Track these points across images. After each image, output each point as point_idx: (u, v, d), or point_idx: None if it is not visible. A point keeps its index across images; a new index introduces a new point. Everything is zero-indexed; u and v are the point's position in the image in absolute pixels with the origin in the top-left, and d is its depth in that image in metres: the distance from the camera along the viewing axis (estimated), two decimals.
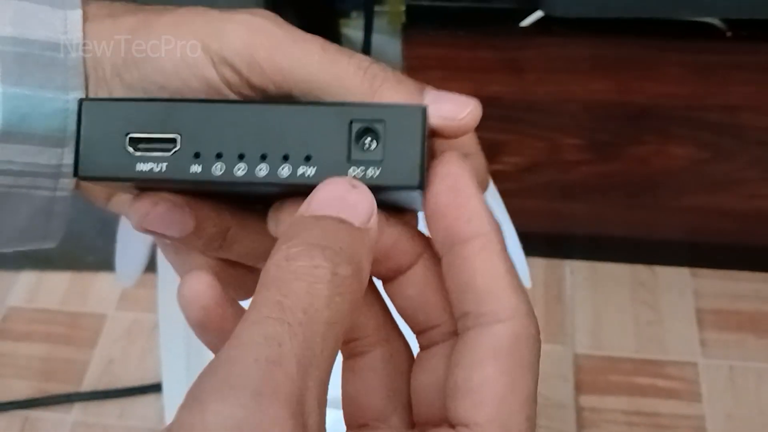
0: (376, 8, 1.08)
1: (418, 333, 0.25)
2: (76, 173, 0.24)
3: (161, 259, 0.75)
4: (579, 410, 0.89)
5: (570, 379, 0.91)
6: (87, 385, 0.95)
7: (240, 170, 0.23)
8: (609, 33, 0.73)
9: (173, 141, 0.24)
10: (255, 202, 0.27)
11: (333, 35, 1.21)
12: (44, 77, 0.26)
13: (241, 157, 0.23)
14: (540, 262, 0.99)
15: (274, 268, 0.20)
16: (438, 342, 0.24)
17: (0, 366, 0.98)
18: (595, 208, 0.91)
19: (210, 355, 0.74)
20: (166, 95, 0.26)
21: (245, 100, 0.24)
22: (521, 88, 0.78)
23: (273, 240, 0.26)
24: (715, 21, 0.72)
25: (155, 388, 0.93)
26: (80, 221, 0.30)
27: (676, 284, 0.98)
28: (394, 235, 0.24)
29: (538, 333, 0.22)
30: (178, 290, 0.24)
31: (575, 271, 1.00)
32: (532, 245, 0.69)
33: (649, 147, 0.82)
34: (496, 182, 0.69)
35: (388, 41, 1.20)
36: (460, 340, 0.22)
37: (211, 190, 0.25)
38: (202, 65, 0.26)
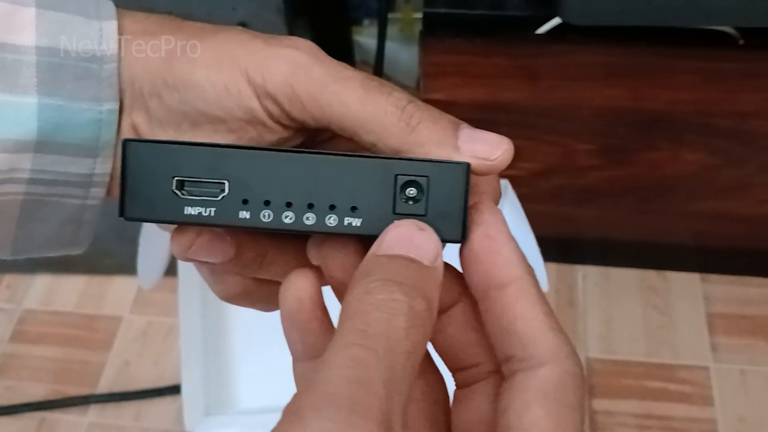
0: (389, 16, 1.09)
1: (455, 371, 0.26)
2: (122, 214, 0.24)
3: (182, 264, 0.77)
4: (592, 414, 0.89)
5: None
6: (102, 387, 0.96)
7: (288, 218, 0.24)
8: (623, 41, 0.74)
9: (221, 186, 0.24)
10: None
11: (345, 42, 1.22)
12: (78, 88, 0.27)
13: (288, 205, 0.24)
14: (552, 266, 1.00)
15: (355, 301, 0.21)
16: (478, 380, 0.25)
17: (16, 368, 0.99)
18: (606, 213, 0.92)
19: (226, 356, 0.75)
20: (207, 121, 0.27)
21: (293, 149, 0.25)
22: (535, 95, 0.79)
23: (308, 260, 0.27)
24: (727, 29, 0.73)
25: (171, 390, 0.94)
26: (97, 225, 0.31)
27: (686, 289, 0.99)
28: None
29: (582, 371, 0.23)
30: (282, 283, 0.26)
31: (587, 276, 1.00)
32: (544, 250, 0.70)
33: (661, 153, 0.83)
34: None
35: (400, 48, 1.21)
36: (507, 383, 0.23)
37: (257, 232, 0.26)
38: (247, 96, 0.26)
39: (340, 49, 1.21)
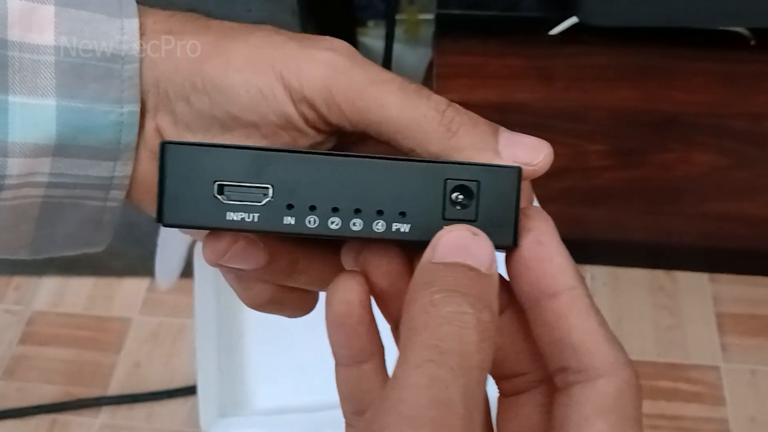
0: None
1: (500, 378, 0.25)
2: (159, 219, 0.23)
3: (198, 265, 0.77)
4: None
5: None
6: (113, 389, 0.96)
7: (334, 224, 0.23)
8: (636, 42, 0.74)
9: (265, 191, 0.23)
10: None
11: (351, 43, 1.22)
12: (99, 89, 0.26)
13: (335, 211, 0.23)
14: None
15: (422, 314, 0.21)
16: (525, 389, 0.25)
17: (26, 369, 0.99)
18: (616, 214, 0.92)
19: (241, 357, 0.74)
20: (239, 126, 0.26)
21: (339, 153, 0.24)
22: (549, 95, 0.79)
23: (339, 268, 0.26)
24: (740, 30, 0.73)
25: (182, 391, 0.94)
26: (117, 224, 0.30)
27: (695, 289, 0.99)
28: None
29: (638, 381, 0.22)
30: (330, 285, 0.25)
31: (596, 277, 1.01)
32: None
33: (673, 154, 0.84)
34: None
35: (405, 50, 1.21)
36: (563, 395, 0.22)
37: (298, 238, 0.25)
38: (282, 101, 0.25)
39: None
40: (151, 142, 0.28)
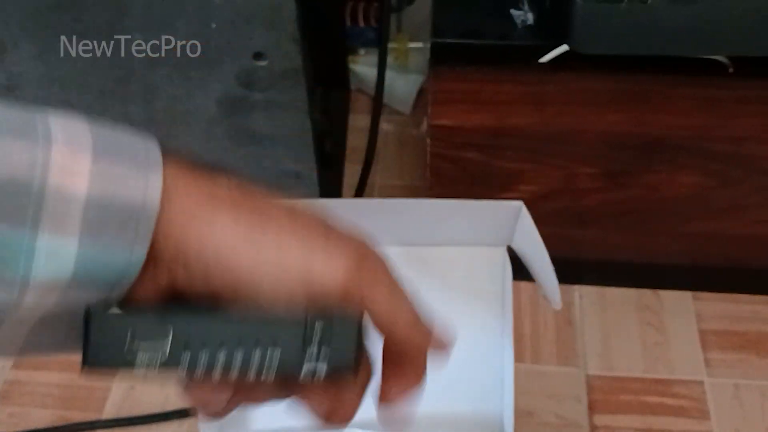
0: None
1: None
2: (84, 364, 0.30)
3: None
4: (593, 429, 0.92)
5: (583, 399, 0.94)
6: (108, 412, 0.96)
7: (220, 360, 0.30)
8: (624, 69, 0.77)
9: (166, 337, 0.30)
10: None
11: (342, 71, 1.25)
12: (116, 239, 0.27)
13: (220, 346, 0.30)
14: None
15: None
16: None
17: (19, 394, 0.98)
18: (605, 234, 0.95)
19: None
20: (231, 302, 0.31)
21: (219, 313, 0.30)
22: (541, 120, 0.82)
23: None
24: (720, 58, 0.77)
25: (178, 413, 0.95)
26: None
27: (679, 307, 1.02)
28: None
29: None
30: None
31: (584, 296, 1.03)
32: None
33: (660, 176, 0.87)
34: None
35: (395, 77, 1.25)
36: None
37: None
38: (299, 302, 0.30)
39: (337, 77, 1.24)
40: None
